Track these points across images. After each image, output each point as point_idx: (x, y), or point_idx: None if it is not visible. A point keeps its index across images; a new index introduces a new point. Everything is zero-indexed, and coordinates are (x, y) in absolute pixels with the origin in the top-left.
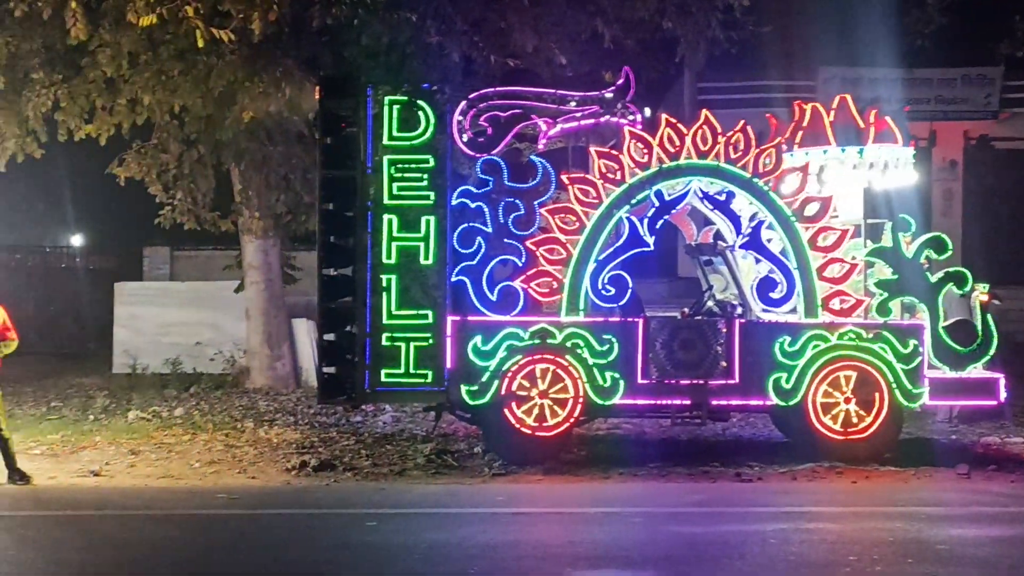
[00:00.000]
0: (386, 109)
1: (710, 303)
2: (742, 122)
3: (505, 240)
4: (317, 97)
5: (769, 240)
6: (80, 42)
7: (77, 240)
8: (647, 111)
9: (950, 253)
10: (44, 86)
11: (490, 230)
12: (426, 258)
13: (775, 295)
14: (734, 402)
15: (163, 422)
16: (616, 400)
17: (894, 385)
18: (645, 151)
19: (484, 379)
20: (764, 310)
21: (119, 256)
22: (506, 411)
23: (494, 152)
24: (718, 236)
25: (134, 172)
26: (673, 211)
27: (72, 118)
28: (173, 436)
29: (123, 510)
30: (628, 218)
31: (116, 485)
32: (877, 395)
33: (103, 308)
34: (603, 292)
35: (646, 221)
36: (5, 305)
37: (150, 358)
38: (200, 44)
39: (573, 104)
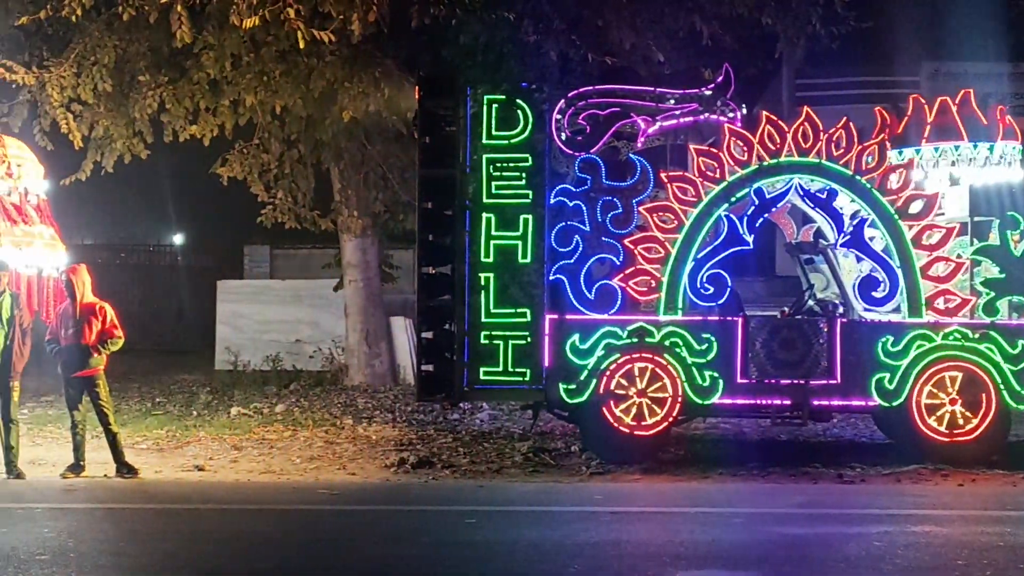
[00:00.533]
0: (484, 108)
1: (810, 302)
2: (844, 119)
3: (603, 238)
4: (416, 97)
5: (871, 238)
6: (185, 44)
7: (178, 239)
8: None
9: None
10: (150, 88)
11: (588, 228)
12: (524, 256)
13: (877, 294)
14: (835, 402)
15: (264, 418)
16: (715, 400)
17: (1002, 386)
18: (745, 148)
19: (582, 378)
20: (866, 309)
21: (219, 254)
22: (604, 410)
23: (592, 150)
24: (819, 234)
25: (236, 172)
26: (773, 209)
27: (177, 119)
28: (274, 432)
29: (227, 504)
30: (727, 216)
31: (220, 480)
32: (984, 396)
33: (204, 305)
34: (702, 291)
35: (745, 219)
36: (111, 303)
37: (251, 355)
38: (301, 45)
39: (672, 102)
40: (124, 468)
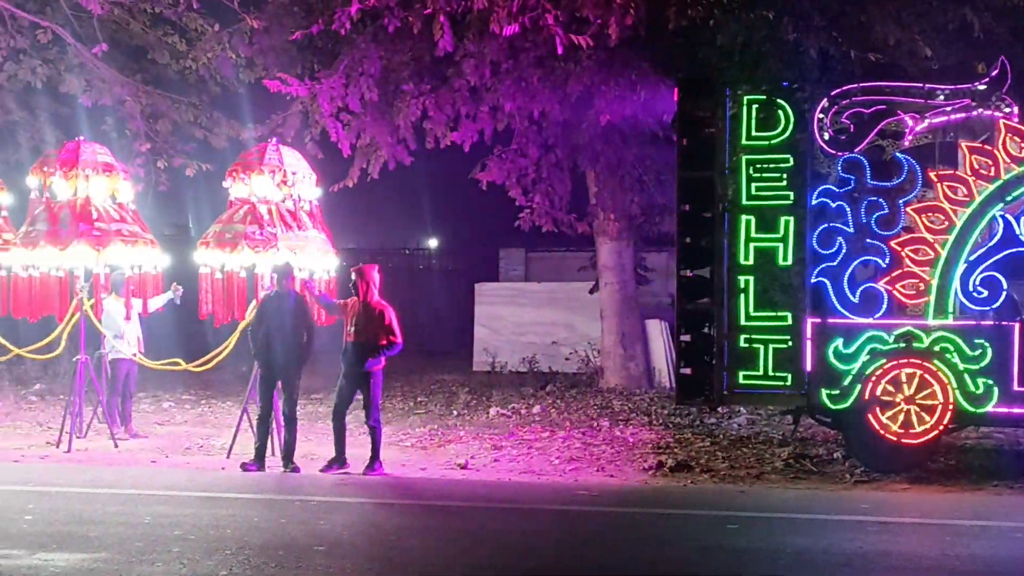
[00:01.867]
0: (744, 109)
1: None
2: None
3: (867, 240)
4: (675, 99)
5: None
6: (446, 53)
7: (433, 242)
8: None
9: None
10: (413, 96)
11: (851, 230)
12: (784, 259)
13: None
14: None
15: (522, 419)
16: (989, 408)
17: None
18: (1022, 145)
19: (845, 383)
20: None
21: (473, 257)
22: (869, 416)
23: (856, 150)
24: None
25: (495, 176)
26: None
27: (439, 126)
28: (532, 432)
29: (489, 503)
30: (1002, 216)
31: (482, 479)
32: None
33: (460, 307)
34: (974, 294)
35: (1023, 219)
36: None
37: (507, 356)
38: (559, 50)
39: (941, 98)
40: (375, 464)
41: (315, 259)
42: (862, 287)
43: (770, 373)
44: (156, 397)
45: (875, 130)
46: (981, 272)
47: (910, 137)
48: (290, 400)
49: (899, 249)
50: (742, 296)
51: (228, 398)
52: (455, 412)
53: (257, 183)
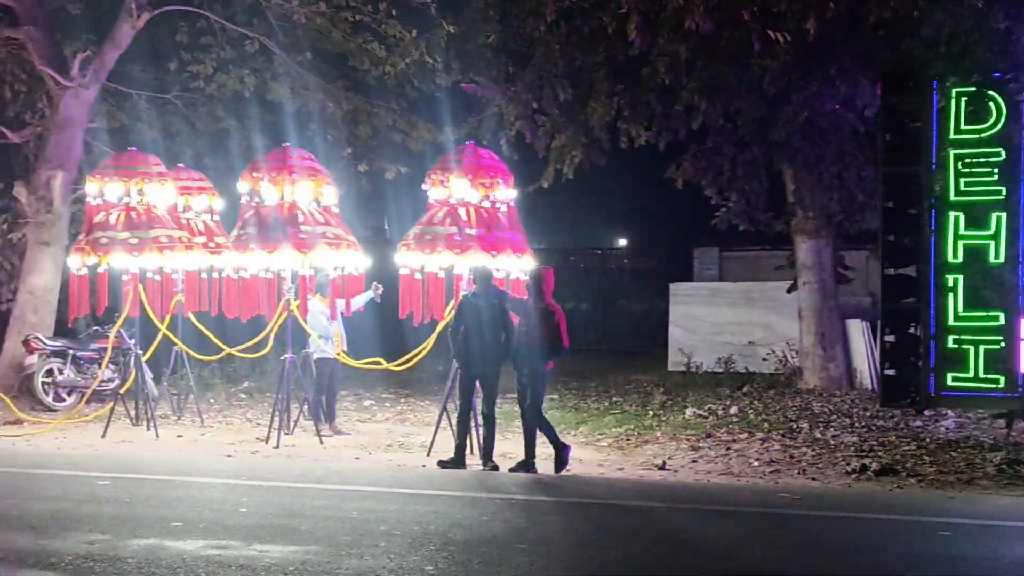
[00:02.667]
0: (952, 101)
1: None
2: None
3: None
4: (879, 93)
5: None
6: (640, 52)
7: (625, 242)
8: None
9: None
10: (607, 96)
11: None
12: (996, 257)
13: None
14: None
15: (719, 420)
16: None
17: None
18: None
19: None
20: None
21: (664, 257)
22: None
23: None
24: None
25: (690, 175)
26: None
27: (633, 126)
28: (729, 434)
29: (690, 504)
30: None
31: (680, 480)
32: None
33: (652, 307)
34: None
35: None
36: (565, 306)
37: (703, 356)
38: (755, 47)
39: None
40: (563, 461)
41: (511, 260)
42: None
43: (981, 375)
44: (358, 395)
45: None
46: None
47: None
48: (489, 399)
49: None
50: (950, 295)
51: (427, 396)
52: (651, 412)
53: (456, 185)
